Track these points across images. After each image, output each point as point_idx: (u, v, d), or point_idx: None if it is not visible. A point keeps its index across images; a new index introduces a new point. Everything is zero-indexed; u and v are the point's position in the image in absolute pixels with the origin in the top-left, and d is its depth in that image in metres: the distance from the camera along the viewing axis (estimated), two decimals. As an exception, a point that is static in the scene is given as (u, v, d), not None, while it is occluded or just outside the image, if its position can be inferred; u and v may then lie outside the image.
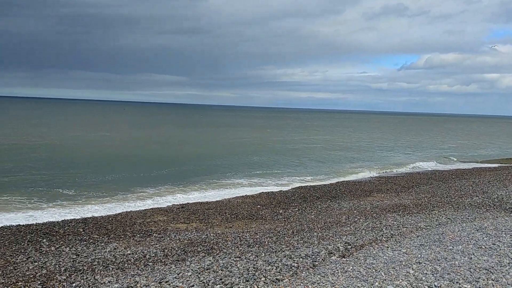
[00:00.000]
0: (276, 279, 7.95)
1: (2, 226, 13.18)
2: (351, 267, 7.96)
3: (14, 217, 14.53)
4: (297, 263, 9.03)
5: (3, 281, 8.66)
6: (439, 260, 8.12)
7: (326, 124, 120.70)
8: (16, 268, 9.50)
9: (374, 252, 9.08)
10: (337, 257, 9.13)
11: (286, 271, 8.44)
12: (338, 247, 9.91)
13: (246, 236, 12.24)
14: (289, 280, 7.77)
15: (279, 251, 10.33)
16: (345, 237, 11.15)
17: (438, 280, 7.11)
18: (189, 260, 10.02)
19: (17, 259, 10.10)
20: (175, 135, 55.41)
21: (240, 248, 10.94)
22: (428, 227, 11.83)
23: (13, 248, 10.96)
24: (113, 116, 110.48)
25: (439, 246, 9.14)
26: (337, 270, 7.90)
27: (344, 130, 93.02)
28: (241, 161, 32.41)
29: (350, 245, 10.09)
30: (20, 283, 8.57)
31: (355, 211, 15.77)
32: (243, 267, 9.19)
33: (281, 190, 21.18)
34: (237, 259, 9.86)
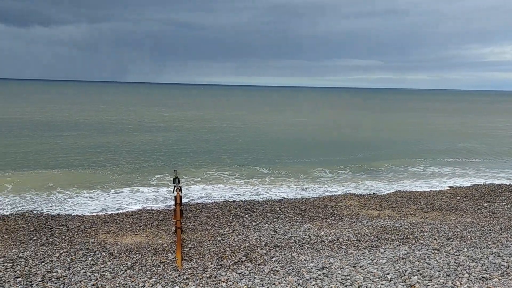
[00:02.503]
0: (483, 277, 7.27)
1: (212, 202, 14.79)
2: None
3: (221, 192, 16.14)
4: (507, 262, 8.10)
5: (213, 249, 9.73)
6: None
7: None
8: (223, 239, 10.58)
9: None
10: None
11: (494, 270, 7.65)
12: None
13: (444, 228, 11.45)
14: (498, 279, 7.01)
15: (484, 248, 9.42)
16: None
17: None
18: (383, 247, 9.82)
19: (224, 231, 11.23)
20: (370, 119, 54.65)
21: (438, 241, 10.29)
22: None
23: (221, 221, 12.22)
24: (307, 101, 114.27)
25: None
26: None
27: None
28: (439, 147, 30.31)
29: None
30: (227, 252, 9.52)
31: None
32: (443, 260, 8.63)
33: (488, 183, 19.13)
34: (436, 251, 9.30)
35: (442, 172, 21.92)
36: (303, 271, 8.28)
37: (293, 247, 9.86)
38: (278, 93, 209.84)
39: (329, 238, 10.59)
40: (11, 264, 8.59)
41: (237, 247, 9.86)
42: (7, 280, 7.80)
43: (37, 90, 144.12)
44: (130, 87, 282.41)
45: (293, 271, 8.27)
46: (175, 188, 12.17)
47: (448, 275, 7.68)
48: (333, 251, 9.60)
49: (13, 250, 9.52)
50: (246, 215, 12.88)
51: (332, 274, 8.02)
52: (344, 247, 9.90)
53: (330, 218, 12.65)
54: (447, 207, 14.46)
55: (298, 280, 7.81)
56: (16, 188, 15.80)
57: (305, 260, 8.97)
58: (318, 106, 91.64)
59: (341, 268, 8.33)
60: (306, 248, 9.84)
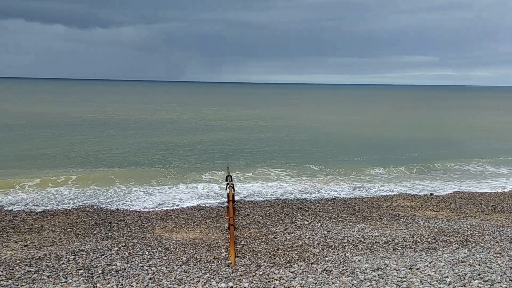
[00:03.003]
0: (551, 284, 6.86)
1: (264, 200, 14.85)
2: None
3: (273, 190, 16.17)
4: None
5: (266, 247, 9.76)
6: None
7: None
8: (276, 237, 10.59)
9: None
10: None
11: (563, 277, 7.21)
12: None
13: (507, 231, 10.91)
14: None
15: (552, 253, 8.90)
16: None
17: None
18: (440, 249, 9.50)
19: (277, 229, 11.24)
20: (426, 118, 52.95)
21: (500, 244, 9.83)
22: None
23: (273, 219, 12.24)
24: (362, 99, 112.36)
25: None
26: None
27: None
28: (497, 147, 28.94)
29: None
30: (280, 250, 9.52)
31: None
32: (505, 265, 8.25)
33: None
34: (498, 255, 8.90)
35: (502, 172, 20.91)
36: (357, 271, 8.15)
37: (346, 247, 9.73)
38: (332, 91, 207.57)
39: (384, 239, 10.36)
40: (73, 257, 9.00)
41: (289, 246, 9.85)
42: (69, 272, 8.18)
43: (96, 90, 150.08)
44: (185, 86, 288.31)
45: (347, 271, 8.16)
46: (228, 185, 12.31)
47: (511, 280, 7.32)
48: (388, 252, 9.38)
49: (75, 243, 9.97)
50: (298, 214, 12.84)
51: (387, 276, 7.85)
52: (399, 248, 9.66)
53: (385, 219, 12.37)
54: (510, 209, 13.78)
55: (352, 280, 7.70)
56: (79, 183, 16.55)
57: (359, 260, 8.83)
58: (373, 104, 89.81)
59: (396, 270, 8.13)
60: (360, 248, 9.68)
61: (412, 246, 9.78)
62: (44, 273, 8.09)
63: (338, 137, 33.34)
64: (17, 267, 8.37)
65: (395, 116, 55.08)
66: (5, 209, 13.09)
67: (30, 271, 8.20)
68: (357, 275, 7.96)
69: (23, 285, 7.54)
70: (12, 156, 22.26)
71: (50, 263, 8.60)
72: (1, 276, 7.91)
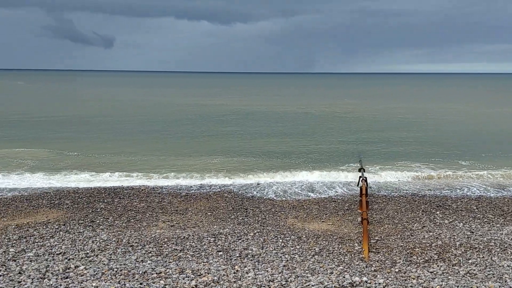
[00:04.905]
0: None
1: (399, 195, 14.28)
2: None
3: (409, 185, 15.46)
4: None
5: (401, 244, 9.38)
6: None
7: None
8: (412, 234, 10.12)
9: None
10: None
11: None
12: None
13: None
14: None
15: None
16: None
17: None
18: None
19: (413, 227, 10.73)
20: None
21: None
22: None
23: (409, 216, 11.70)
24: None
25: None
26: None
27: None
28: None
29: None
30: (417, 249, 9.08)
31: None
32: None
33: None
34: None
35: None
36: (505, 277, 7.44)
37: (493, 251, 8.92)
38: (479, 81, 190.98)
39: (539, 245, 9.28)
40: (213, 239, 9.60)
41: (427, 245, 9.34)
42: (210, 253, 8.75)
43: (235, 82, 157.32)
44: (319, 78, 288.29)
45: (494, 277, 7.50)
46: (361, 178, 12.05)
47: None
48: (545, 260, 8.39)
49: (215, 226, 10.62)
50: (437, 212, 12.09)
51: (543, 286, 7.03)
52: (558, 257, 8.58)
53: (540, 222, 11.07)
54: None
55: (500, 286, 7.05)
56: (220, 170, 17.60)
57: (508, 266, 8.04)
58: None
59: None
60: (509, 253, 8.80)
61: None
62: (188, 252, 8.76)
63: (493, 130, 30.54)
64: (165, 245, 9.19)
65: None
66: (157, 192, 14.41)
67: (176, 249, 8.94)
68: (505, 281, 7.28)
69: (170, 262, 8.25)
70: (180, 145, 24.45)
71: (193, 243, 9.29)
72: (152, 252, 8.76)
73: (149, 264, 8.12)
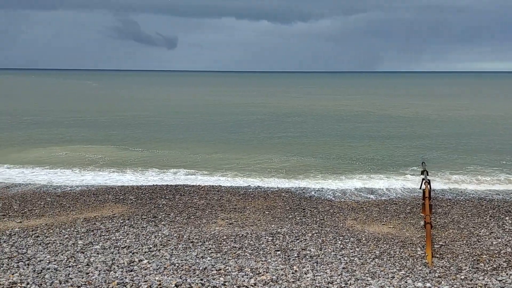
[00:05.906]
0: None
1: (465, 199, 13.68)
2: None
3: (476, 189, 14.79)
4: None
5: (467, 250, 8.98)
6: None
7: None
8: (479, 240, 9.66)
9: None
10: None
11: None
12: None
13: None
14: None
15: None
16: None
17: None
18: None
19: (480, 232, 10.24)
20: None
21: None
22: None
23: (476, 221, 11.18)
24: None
25: None
26: None
27: None
28: None
29: None
30: (484, 256, 8.66)
31: None
32: None
33: None
34: None
35: None
36: None
37: None
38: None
39: None
40: (271, 238, 9.62)
41: (496, 251, 8.88)
42: (268, 252, 8.78)
43: (294, 82, 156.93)
44: (382, 77, 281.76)
45: None
46: (424, 181, 11.64)
47: None
48: None
49: (273, 226, 10.64)
50: (507, 217, 11.47)
51: None
52: None
53: None
54: None
55: None
56: (279, 170, 17.64)
57: None
58: None
59: None
60: None
61: None
62: (246, 250, 8.84)
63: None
64: (224, 242, 9.32)
65: None
66: (216, 189, 14.64)
67: (235, 247, 9.05)
68: None
69: (230, 259, 8.36)
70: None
71: (252, 242, 9.36)
72: (211, 249, 8.92)
73: (209, 260, 8.27)
